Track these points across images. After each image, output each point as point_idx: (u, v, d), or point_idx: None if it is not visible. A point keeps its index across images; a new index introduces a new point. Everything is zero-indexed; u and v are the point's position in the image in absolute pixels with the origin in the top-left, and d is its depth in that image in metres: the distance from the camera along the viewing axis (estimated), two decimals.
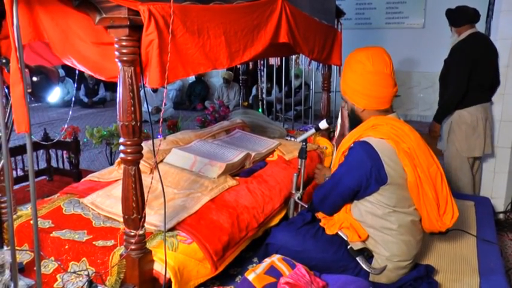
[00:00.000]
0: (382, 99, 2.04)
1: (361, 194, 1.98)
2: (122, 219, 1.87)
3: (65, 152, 3.86)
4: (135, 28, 1.60)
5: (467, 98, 3.25)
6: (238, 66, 4.67)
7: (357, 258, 2.00)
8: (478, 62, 3.21)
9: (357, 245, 2.02)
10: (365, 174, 1.91)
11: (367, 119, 2.06)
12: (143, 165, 2.41)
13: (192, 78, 9.45)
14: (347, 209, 2.09)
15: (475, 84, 3.23)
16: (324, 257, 2.04)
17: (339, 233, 2.06)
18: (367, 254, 2.03)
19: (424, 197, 1.96)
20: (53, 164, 3.90)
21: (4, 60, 1.66)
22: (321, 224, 2.15)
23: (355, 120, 2.11)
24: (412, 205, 2.00)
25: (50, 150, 3.84)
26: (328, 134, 3.56)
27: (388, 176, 1.90)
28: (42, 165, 3.89)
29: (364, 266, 1.99)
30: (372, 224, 2.02)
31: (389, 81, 2.02)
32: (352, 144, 1.99)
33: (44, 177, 3.88)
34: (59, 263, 1.95)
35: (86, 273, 1.85)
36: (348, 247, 2.03)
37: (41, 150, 3.86)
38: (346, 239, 2.04)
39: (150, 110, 2.27)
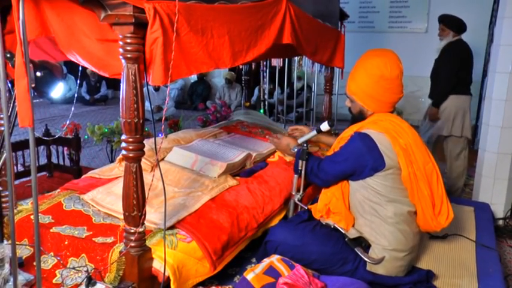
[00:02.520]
0: (392, 103, 2.13)
1: (355, 178, 2.08)
2: (122, 216, 1.88)
3: (65, 148, 3.86)
4: (140, 26, 1.60)
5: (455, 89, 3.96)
6: (241, 66, 4.67)
7: (355, 249, 2.05)
8: (464, 62, 3.98)
9: (352, 234, 2.08)
10: (360, 164, 2.02)
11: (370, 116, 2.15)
12: (144, 163, 2.41)
13: (194, 77, 9.45)
14: (346, 204, 2.14)
15: (459, 79, 3.95)
16: (324, 250, 2.08)
17: (336, 226, 2.12)
18: (365, 244, 2.07)
19: (419, 193, 2.01)
20: (54, 160, 3.90)
21: (8, 55, 1.67)
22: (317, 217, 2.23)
23: (360, 120, 2.18)
24: (407, 196, 2.05)
25: (51, 147, 3.84)
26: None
27: (386, 163, 1.98)
28: (43, 161, 3.89)
29: (362, 256, 2.04)
30: (368, 211, 2.07)
31: (400, 87, 2.10)
32: (353, 134, 2.08)
33: (44, 173, 3.88)
34: (58, 258, 1.96)
35: (85, 269, 1.85)
36: (346, 239, 2.08)
37: (42, 146, 3.86)
38: (343, 231, 2.09)
39: (151, 108, 2.27)
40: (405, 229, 2.05)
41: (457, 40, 3.99)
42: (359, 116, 2.19)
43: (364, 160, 2.00)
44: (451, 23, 4.02)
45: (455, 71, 3.91)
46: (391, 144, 1.98)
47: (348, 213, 2.14)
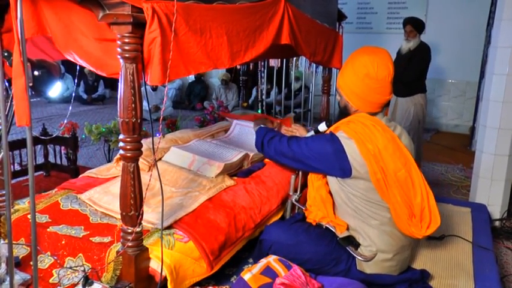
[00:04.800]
0: (377, 104, 2.09)
1: (316, 171, 2.20)
2: (119, 216, 1.87)
3: (63, 147, 3.84)
4: (138, 25, 1.60)
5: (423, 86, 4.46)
6: (239, 67, 4.67)
7: (347, 248, 2.06)
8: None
9: (342, 233, 2.08)
10: (324, 162, 2.07)
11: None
12: (142, 162, 2.42)
13: (191, 77, 9.45)
14: (327, 205, 2.17)
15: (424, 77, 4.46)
16: (317, 250, 2.08)
17: (328, 226, 2.13)
18: (355, 243, 2.08)
19: (392, 198, 1.96)
20: (51, 159, 3.89)
21: (6, 54, 1.67)
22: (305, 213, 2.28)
23: (344, 115, 2.17)
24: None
25: (48, 146, 3.83)
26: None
27: (352, 169, 1.97)
28: (40, 160, 3.87)
29: (354, 254, 2.05)
30: (351, 214, 2.08)
31: (388, 89, 2.05)
32: (328, 132, 2.12)
33: (41, 172, 3.86)
34: (55, 258, 1.95)
35: (82, 269, 1.85)
36: (338, 238, 2.08)
37: (39, 146, 3.85)
38: (334, 230, 2.10)
39: (149, 108, 2.28)
40: (391, 230, 2.04)
41: (423, 41, 4.40)
42: (344, 111, 2.18)
43: (328, 160, 2.04)
44: (419, 25, 4.39)
45: (427, 69, 4.43)
46: (358, 150, 1.95)
47: (334, 216, 2.15)
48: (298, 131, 2.73)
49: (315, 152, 2.10)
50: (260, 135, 2.45)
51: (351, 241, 2.07)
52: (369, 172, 1.94)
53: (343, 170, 1.99)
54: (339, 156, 1.99)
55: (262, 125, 2.58)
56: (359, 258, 2.04)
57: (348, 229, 2.10)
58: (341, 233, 2.08)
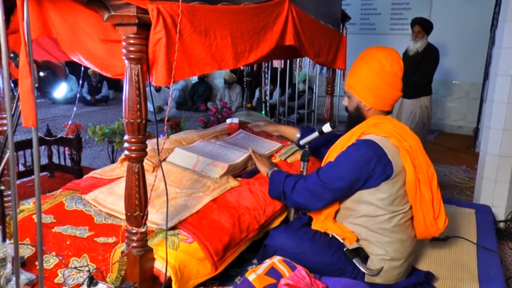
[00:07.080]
0: (390, 100, 2.09)
1: (357, 188, 2.00)
2: (123, 217, 1.88)
3: (66, 148, 3.86)
4: (143, 26, 1.61)
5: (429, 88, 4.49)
6: (242, 68, 4.68)
7: (354, 260, 2.02)
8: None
9: (351, 245, 2.04)
10: (368, 172, 1.94)
11: (370, 117, 2.10)
12: (146, 163, 2.43)
13: (195, 78, 9.46)
14: (326, 217, 2.12)
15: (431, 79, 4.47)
16: (321, 260, 2.05)
17: (335, 236, 2.08)
18: (363, 255, 2.04)
19: (421, 198, 1.97)
20: (55, 160, 3.90)
21: (12, 55, 1.67)
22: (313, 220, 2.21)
23: (357, 118, 2.14)
24: (408, 203, 2.02)
25: (52, 147, 3.85)
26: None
27: (394, 169, 1.94)
28: (44, 161, 3.88)
29: (360, 267, 2.01)
30: (366, 225, 2.04)
31: (400, 84, 2.07)
32: (356, 141, 2.02)
33: (45, 173, 3.88)
34: (60, 258, 1.96)
35: (86, 269, 1.85)
36: (344, 249, 2.04)
37: (43, 146, 3.86)
38: (342, 241, 2.05)
39: (153, 109, 2.27)
40: (402, 237, 2.03)
41: (430, 43, 4.41)
42: (356, 113, 2.14)
43: (372, 169, 1.92)
44: (428, 26, 4.40)
45: (435, 71, 4.46)
46: (398, 149, 1.95)
47: (340, 230, 2.09)
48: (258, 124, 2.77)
49: (353, 166, 1.95)
50: (279, 183, 2.27)
51: (359, 253, 2.03)
52: (406, 170, 1.95)
53: (385, 173, 1.93)
54: (381, 159, 1.92)
55: (275, 169, 2.49)
56: (366, 272, 1.99)
57: (357, 240, 2.05)
58: (350, 244, 2.03)
